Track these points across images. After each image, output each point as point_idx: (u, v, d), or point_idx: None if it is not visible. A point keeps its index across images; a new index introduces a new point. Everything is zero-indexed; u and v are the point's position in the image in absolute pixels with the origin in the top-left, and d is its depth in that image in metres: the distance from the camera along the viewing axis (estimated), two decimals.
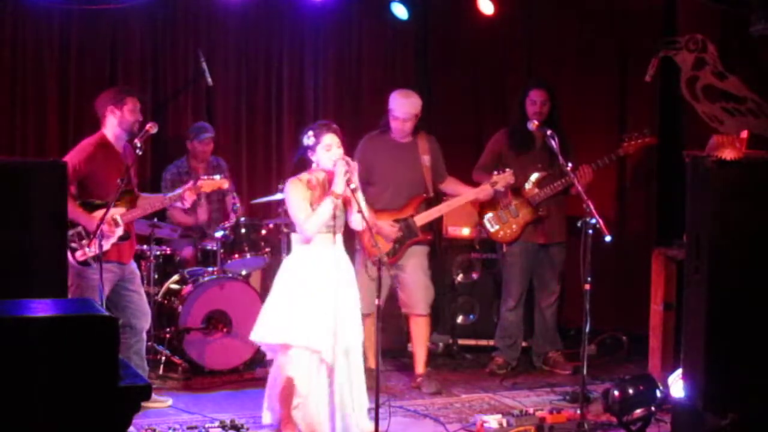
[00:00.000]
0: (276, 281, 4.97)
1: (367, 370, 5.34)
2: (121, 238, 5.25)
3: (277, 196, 6.54)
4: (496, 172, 5.97)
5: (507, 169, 5.97)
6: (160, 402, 5.48)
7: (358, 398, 4.93)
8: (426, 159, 6.05)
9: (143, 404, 5.07)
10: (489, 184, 5.94)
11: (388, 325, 6.11)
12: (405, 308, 6.09)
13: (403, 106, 6.00)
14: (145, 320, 5.49)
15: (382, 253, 4.67)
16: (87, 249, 5.10)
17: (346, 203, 4.86)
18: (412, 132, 6.08)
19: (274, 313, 4.88)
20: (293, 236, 5.02)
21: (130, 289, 5.42)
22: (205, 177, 5.52)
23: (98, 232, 4.98)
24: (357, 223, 4.88)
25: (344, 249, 5.01)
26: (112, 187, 5.09)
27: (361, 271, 5.71)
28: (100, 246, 5.01)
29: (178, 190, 5.40)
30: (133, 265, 5.49)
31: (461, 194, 6.13)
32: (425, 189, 6.06)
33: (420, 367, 6.09)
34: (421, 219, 5.99)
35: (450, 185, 6.21)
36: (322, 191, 4.87)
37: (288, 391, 4.85)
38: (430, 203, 6.14)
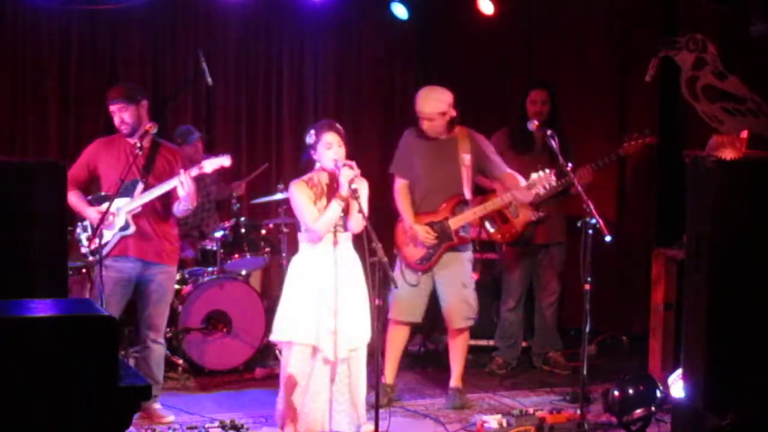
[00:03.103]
0: (285, 280, 5.03)
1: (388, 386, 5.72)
2: (121, 229, 5.22)
3: (277, 196, 6.55)
4: (535, 174, 5.50)
5: (547, 170, 5.51)
6: (164, 417, 5.34)
7: (360, 397, 4.94)
8: (466, 158, 5.69)
9: (150, 424, 5.12)
10: (527, 186, 5.52)
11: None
12: (445, 319, 5.87)
13: (425, 102, 5.66)
14: (146, 329, 5.34)
15: (381, 254, 4.65)
16: (86, 244, 5.14)
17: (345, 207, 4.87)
18: (449, 129, 5.69)
19: (281, 312, 4.95)
20: (300, 236, 5.03)
21: (143, 292, 5.32)
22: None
23: (99, 227, 5.03)
24: (356, 225, 4.89)
25: (353, 249, 4.99)
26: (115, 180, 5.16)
27: (399, 277, 5.53)
28: (100, 243, 5.05)
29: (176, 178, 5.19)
30: (161, 268, 5.31)
31: (506, 194, 5.73)
32: (461, 190, 5.72)
33: (453, 380, 5.83)
34: (456, 222, 5.67)
35: (508, 181, 5.71)
36: (322, 190, 4.92)
37: (290, 387, 4.89)
38: (467, 204, 5.76)
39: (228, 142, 7.67)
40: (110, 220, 5.19)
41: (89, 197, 5.37)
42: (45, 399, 2.60)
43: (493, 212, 6.07)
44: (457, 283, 5.74)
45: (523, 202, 5.78)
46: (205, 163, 5.27)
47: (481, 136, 5.84)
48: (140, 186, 5.24)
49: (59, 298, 3.53)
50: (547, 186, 5.54)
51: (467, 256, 5.85)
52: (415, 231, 5.66)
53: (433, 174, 5.71)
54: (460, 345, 5.84)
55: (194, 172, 5.18)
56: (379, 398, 4.76)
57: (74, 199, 5.28)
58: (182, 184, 5.10)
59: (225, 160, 5.32)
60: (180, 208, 5.25)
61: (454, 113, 5.68)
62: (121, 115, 5.25)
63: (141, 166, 5.26)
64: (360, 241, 4.87)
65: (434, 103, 5.63)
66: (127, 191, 5.23)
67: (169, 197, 5.28)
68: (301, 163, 5.06)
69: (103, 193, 5.28)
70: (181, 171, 5.15)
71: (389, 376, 5.81)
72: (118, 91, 5.36)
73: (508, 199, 5.74)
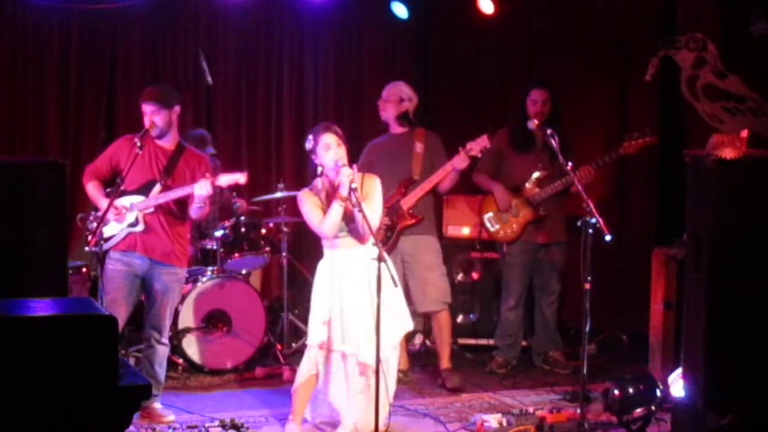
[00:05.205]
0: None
1: (401, 371, 5.88)
2: (130, 225, 5.23)
3: (277, 195, 6.56)
4: (471, 141, 5.86)
5: (483, 135, 5.86)
6: (164, 416, 5.35)
7: (372, 400, 4.91)
8: (419, 146, 6.06)
9: (150, 423, 5.13)
10: (464, 152, 5.84)
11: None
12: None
13: (386, 88, 6.21)
14: (150, 328, 5.36)
15: (382, 252, 4.65)
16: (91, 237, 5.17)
17: (347, 213, 4.88)
18: (404, 121, 6.11)
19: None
20: (323, 242, 5.07)
21: (148, 290, 5.33)
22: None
23: (99, 227, 5.05)
24: (362, 231, 4.87)
25: (370, 252, 4.94)
26: (139, 179, 5.21)
27: None
28: (99, 241, 5.06)
29: (192, 185, 5.19)
30: (168, 269, 5.31)
31: (447, 164, 5.94)
32: (411, 173, 6.03)
33: (443, 362, 6.11)
34: (407, 201, 5.99)
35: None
36: (326, 194, 4.95)
37: (301, 386, 5.03)
38: (418, 184, 6.02)
39: (228, 142, 7.68)
40: (123, 213, 5.21)
41: (107, 190, 5.36)
42: (45, 398, 2.60)
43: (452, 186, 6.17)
44: (424, 268, 5.99)
45: (460, 168, 5.92)
46: (221, 177, 5.27)
47: (437, 137, 6.20)
48: (157, 187, 5.25)
49: (59, 297, 3.54)
50: (482, 148, 5.83)
51: (433, 241, 6.09)
52: None
53: (389, 165, 5.99)
54: (441, 326, 6.09)
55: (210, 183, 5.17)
56: (379, 398, 4.75)
57: (92, 189, 5.34)
58: (202, 187, 5.08)
59: (241, 177, 5.31)
60: (194, 207, 5.23)
61: (408, 108, 6.12)
62: (153, 117, 5.21)
63: (162, 168, 5.27)
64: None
65: (393, 87, 6.19)
66: (144, 189, 5.25)
67: (187, 200, 5.28)
68: (311, 170, 5.07)
69: (121, 188, 5.22)
70: (207, 175, 5.16)
71: (401, 362, 5.96)
72: (154, 93, 5.28)
73: (449, 168, 5.93)
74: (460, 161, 5.87)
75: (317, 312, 4.98)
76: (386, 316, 4.69)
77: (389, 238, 5.99)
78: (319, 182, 4.99)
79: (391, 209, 5.98)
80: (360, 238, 4.93)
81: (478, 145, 5.84)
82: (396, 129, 6.15)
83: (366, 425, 4.94)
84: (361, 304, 4.86)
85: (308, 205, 4.95)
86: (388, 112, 6.15)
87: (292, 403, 5.10)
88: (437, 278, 6.03)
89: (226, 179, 5.29)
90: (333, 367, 5.00)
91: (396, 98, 6.13)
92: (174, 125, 5.33)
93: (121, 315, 5.21)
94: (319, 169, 4.95)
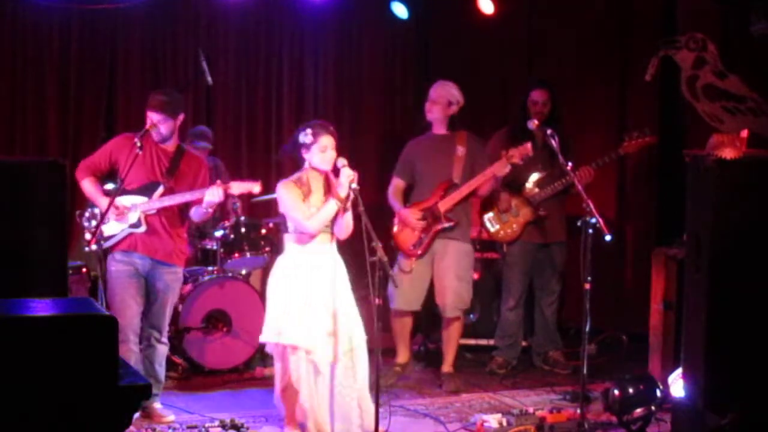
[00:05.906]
0: (270, 281, 4.98)
1: (399, 365, 6.13)
2: (132, 226, 5.21)
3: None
4: (514, 148, 5.87)
5: (526, 143, 5.84)
6: (164, 417, 5.34)
7: (362, 397, 4.91)
8: (460, 150, 6.03)
9: (150, 423, 5.12)
10: (505, 158, 5.84)
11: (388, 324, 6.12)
12: (439, 307, 6.16)
13: (435, 88, 6.14)
14: (150, 328, 5.35)
15: (381, 253, 4.65)
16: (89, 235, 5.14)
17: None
18: (448, 123, 6.09)
19: (272, 313, 4.92)
20: (286, 236, 5.01)
21: (149, 290, 5.31)
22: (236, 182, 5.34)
23: (98, 227, 5.04)
24: (343, 230, 4.90)
25: (337, 251, 5.01)
26: (141, 179, 5.20)
27: (394, 267, 5.84)
28: (98, 240, 5.05)
29: (202, 190, 5.20)
30: (170, 268, 5.30)
31: (486, 170, 5.96)
32: (451, 176, 6.01)
33: (445, 366, 6.16)
34: (445, 204, 5.97)
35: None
36: (309, 189, 4.91)
37: (289, 389, 4.90)
38: (457, 188, 6.01)
39: (228, 142, 7.68)
40: (124, 213, 5.19)
41: (107, 189, 5.35)
42: (45, 398, 2.60)
43: (490, 191, 6.24)
44: (451, 274, 5.99)
45: (501, 174, 5.97)
46: (233, 184, 5.24)
47: (478, 141, 6.20)
48: (160, 189, 5.23)
49: (59, 297, 3.53)
50: (524, 156, 5.84)
51: (466, 248, 6.08)
52: (402, 214, 6.01)
53: (429, 167, 6.05)
54: (452, 333, 6.16)
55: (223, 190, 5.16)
56: (379, 398, 4.75)
57: (88, 186, 5.30)
58: (214, 194, 5.08)
59: (255, 187, 5.27)
60: (200, 211, 5.23)
61: (454, 112, 6.09)
62: (159, 125, 5.22)
63: (165, 170, 5.26)
64: (354, 242, 4.89)
65: (442, 89, 6.11)
66: (146, 190, 5.24)
67: (189, 201, 5.27)
68: (280, 153, 5.05)
69: (121, 187, 5.20)
70: (219, 182, 5.18)
71: (401, 356, 6.21)
72: (161, 103, 5.24)
73: (489, 174, 5.95)
74: (500, 168, 5.87)
75: (298, 310, 4.81)
76: (356, 313, 4.90)
77: (422, 240, 5.98)
78: (303, 176, 4.94)
79: (427, 211, 5.99)
80: (332, 236, 4.92)
81: (520, 153, 5.82)
82: (439, 130, 6.14)
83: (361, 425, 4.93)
84: (343, 300, 4.87)
85: (293, 197, 4.88)
86: (434, 114, 6.11)
87: (284, 408, 4.96)
88: (458, 285, 6.02)
89: (238, 187, 5.26)
90: (312, 368, 4.85)
91: (445, 101, 6.08)
92: (176, 132, 5.35)
93: (134, 313, 5.21)
94: (306, 163, 4.93)
